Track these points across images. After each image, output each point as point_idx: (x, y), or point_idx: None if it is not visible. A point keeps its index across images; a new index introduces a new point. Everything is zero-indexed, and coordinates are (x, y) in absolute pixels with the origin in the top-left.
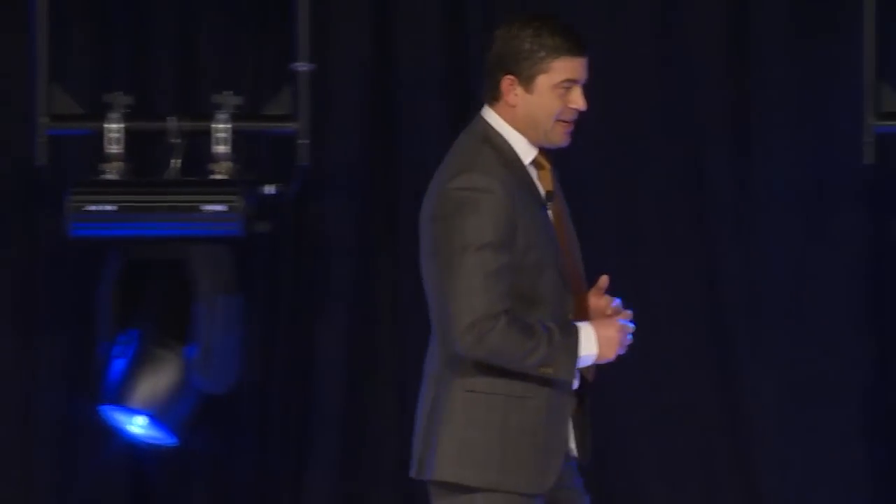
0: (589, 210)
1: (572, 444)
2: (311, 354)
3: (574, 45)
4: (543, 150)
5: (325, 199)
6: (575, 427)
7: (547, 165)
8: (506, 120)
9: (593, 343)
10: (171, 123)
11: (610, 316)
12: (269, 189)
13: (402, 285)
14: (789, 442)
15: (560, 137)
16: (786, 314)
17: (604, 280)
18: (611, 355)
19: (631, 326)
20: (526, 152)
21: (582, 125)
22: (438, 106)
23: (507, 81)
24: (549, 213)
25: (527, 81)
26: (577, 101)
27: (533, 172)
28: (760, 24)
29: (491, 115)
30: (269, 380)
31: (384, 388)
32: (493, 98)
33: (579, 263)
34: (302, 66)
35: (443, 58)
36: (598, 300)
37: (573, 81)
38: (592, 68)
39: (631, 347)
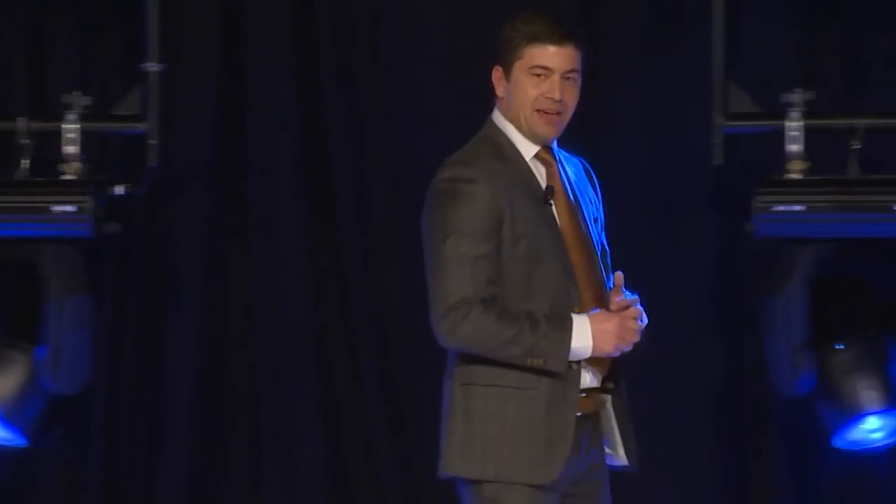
0: None
1: (621, 451)
2: (161, 355)
3: (550, 32)
4: (548, 149)
5: (175, 200)
6: (619, 429)
7: (554, 162)
8: (504, 115)
9: (587, 336)
10: (21, 124)
11: (615, 311)
12: (119, 189)
13: (253, 285)
14: (642, 440)
15: (541, 128)
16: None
17: (619, 277)
18: (609, 349)
19: (638, 323)
20: (527, 148)
21: (435, 120)
22: (289, 105)
23: (496, 73)
24: (553, 207)
25: (507, 70)
26: (552, 90)
27: (540, 169)
28: (610, 23)
29: (495, 114)
30: (119, 380)
31: (235, 388)
32: (494, 93)
33: (594, 260)
34: (151, 66)
35: (294, 58)
36: (616, 297)
37: (546, 69)
38: (469, 60)
39: None
